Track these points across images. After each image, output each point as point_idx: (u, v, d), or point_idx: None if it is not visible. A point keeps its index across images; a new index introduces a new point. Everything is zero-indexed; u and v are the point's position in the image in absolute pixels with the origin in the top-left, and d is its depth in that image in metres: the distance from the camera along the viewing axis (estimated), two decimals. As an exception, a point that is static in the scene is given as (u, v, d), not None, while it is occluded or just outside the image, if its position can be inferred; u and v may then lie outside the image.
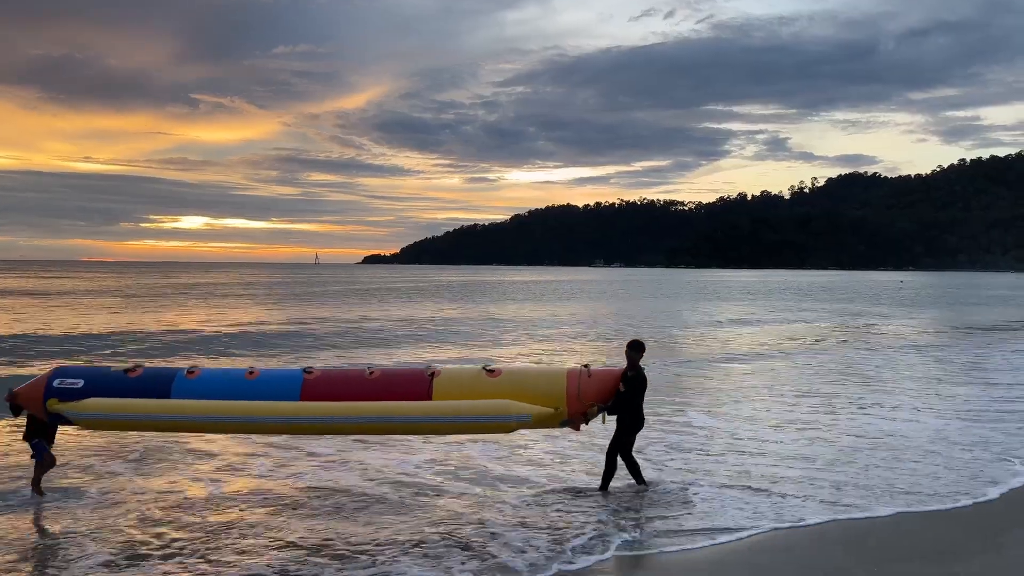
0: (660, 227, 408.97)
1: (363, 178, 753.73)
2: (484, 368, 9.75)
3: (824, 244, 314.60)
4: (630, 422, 9.72)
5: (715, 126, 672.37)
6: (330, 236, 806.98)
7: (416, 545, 7.87)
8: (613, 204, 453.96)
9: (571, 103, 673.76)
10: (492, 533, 8.27)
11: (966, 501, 9.56)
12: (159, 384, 9.46)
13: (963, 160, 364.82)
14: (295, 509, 9.06)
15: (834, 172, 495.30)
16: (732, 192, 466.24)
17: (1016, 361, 24.36)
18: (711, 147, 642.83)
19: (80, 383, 9.36)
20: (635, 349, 9.81)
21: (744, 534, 8.31)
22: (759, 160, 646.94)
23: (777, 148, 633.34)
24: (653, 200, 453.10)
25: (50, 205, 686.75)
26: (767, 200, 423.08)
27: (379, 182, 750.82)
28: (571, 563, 7.49)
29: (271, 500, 9.38)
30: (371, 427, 9.49)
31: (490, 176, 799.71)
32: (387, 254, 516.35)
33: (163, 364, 18.67)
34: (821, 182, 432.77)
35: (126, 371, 9.69)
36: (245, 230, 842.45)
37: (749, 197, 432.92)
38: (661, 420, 13.93)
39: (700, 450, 12.02)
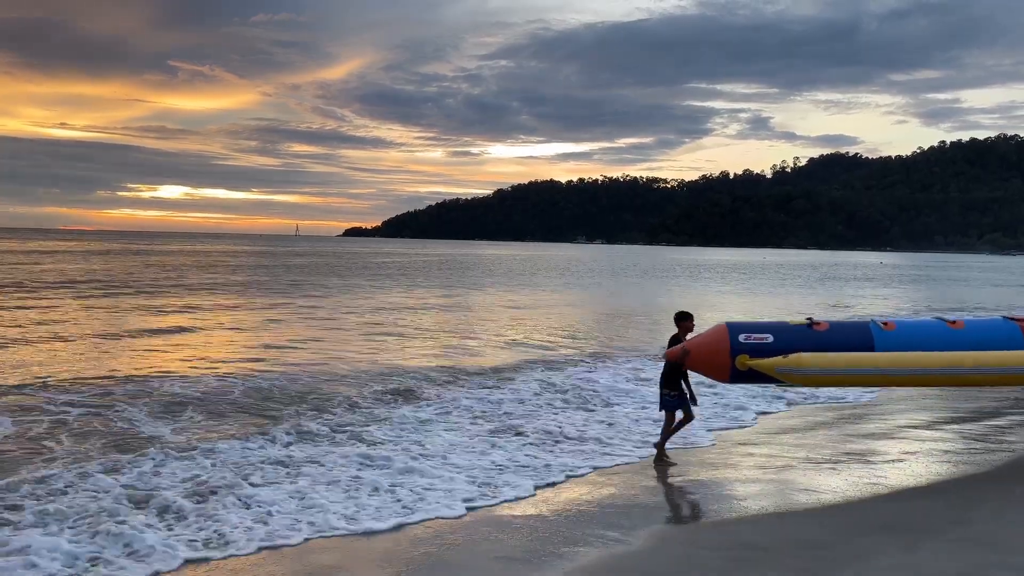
0: (642, 204, 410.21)
1: (345, 150, 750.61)
2: None
3: (804, 224, 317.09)
4: None
5: (698, 104, 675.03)
6: (311, 208, 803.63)
7: None
8: (596, 180, 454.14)
9: (554, 78, 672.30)
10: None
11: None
12: (859, 337, 8.86)
13: (943, 142, 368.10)
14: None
15: (816, 152, 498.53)
16: (714, 170, 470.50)
17: None
18: (694, 125, 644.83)
19: (769, 338, 8.69)
20: None
21: None
22: (741, 139, 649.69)
23: (759, 127, 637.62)
24: (636, 177, 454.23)
25: (25, 172, 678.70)
26: (749, 179, 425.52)
27: (361, 154, 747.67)
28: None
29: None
30: None
31: (473, 150, 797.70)
32: (368, 227, 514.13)
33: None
34: (803, 162, 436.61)
35: (808, 325, 9.03)
36: (225, 200, 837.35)
37: (731, 175, 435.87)
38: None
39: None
